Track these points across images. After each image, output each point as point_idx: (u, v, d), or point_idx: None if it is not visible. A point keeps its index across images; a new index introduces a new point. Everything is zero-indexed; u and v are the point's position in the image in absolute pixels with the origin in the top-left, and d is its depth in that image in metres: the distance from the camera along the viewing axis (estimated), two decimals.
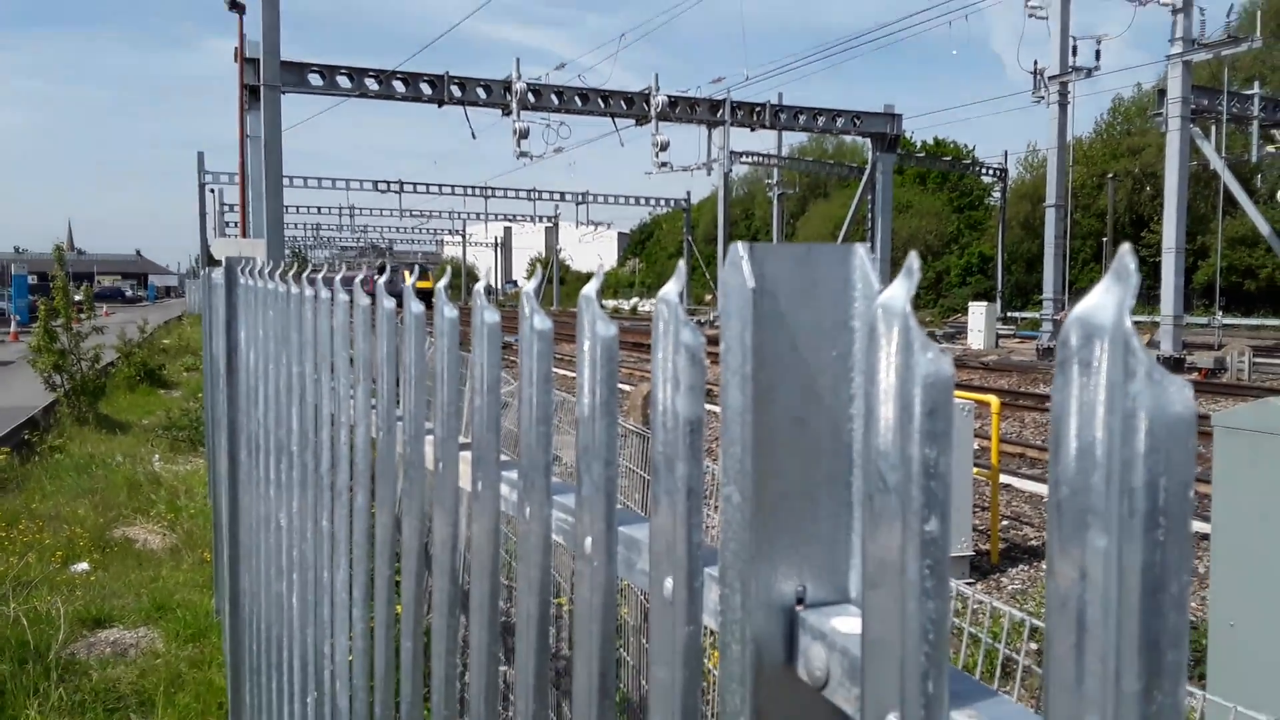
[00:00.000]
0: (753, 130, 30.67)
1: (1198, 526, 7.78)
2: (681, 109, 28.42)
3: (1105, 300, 0.48)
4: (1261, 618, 3.49)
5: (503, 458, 1.33)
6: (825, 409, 0.86)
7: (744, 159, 40.25)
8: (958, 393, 7.55)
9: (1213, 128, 25.80)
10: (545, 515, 1.17)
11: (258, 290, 2.79)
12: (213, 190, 50.41)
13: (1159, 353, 22.00)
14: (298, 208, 59.77)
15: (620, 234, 71.77)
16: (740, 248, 0.82)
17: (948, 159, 51.28)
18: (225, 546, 3.37)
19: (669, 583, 0.92)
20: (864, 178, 33.90)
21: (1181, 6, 22.18)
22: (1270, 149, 28.56)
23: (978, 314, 29.82)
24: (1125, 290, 0.47)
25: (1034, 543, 8.15)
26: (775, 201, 42.25)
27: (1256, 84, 28.60)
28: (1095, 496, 0.48)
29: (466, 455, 1.33)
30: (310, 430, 2.07)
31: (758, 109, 30.00)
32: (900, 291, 0.68)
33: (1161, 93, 23.73)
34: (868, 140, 33.34)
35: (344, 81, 24.03)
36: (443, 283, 1.33)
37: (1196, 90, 23.91)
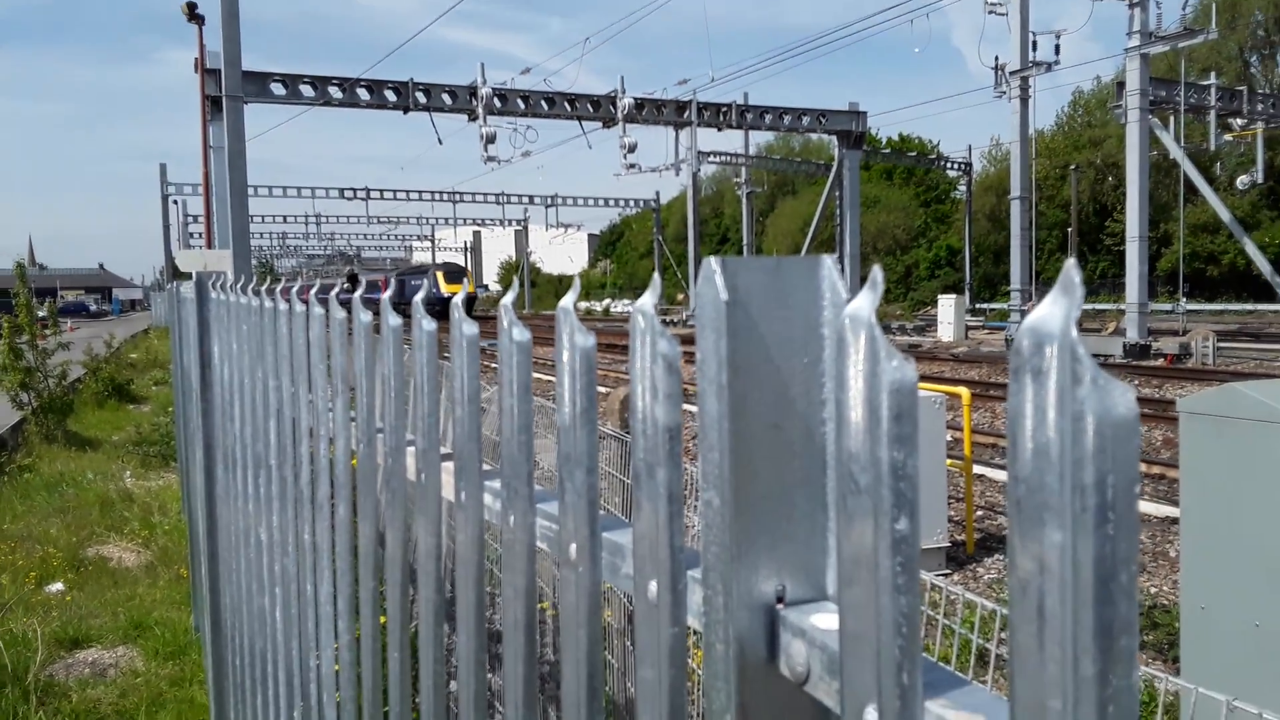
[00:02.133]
0: (720, 130, 30.79)
1: (1169, 511, 7.88)
2: (648, 111, 28.48)
3: (1054, 311, 0.51)
4: (1231, 600, 3.57)
5: (484, 466, 1.35)
6: (798, 414, 0.89)
7: (712, 159, 40.40)
8: (929, 385, 7.64)
9: (1171, 118, 26.21)
10: (529, 523, 1.19)
11: (230, 305, 2.79)
12: (176, 202, 49.83)
13: (1126, 339, 22.32)
14: (263, 217, 59.23)
15: (590, 235, 71.71)
16: (713, 262, 0.85)
17: (913, 154, 51.72)
18: (204, 562, 3.36)
19: (653, 586, 0.95)
20: (831, 175, 34.13)
21: (1138, 0, 22.53)
22: (1228, 137, 29.07)
23: (947, 306, 30.11)
24: (1071, 302, 0.51)
25: (1009, 532, 8.28)
26: (744, 200, 42.43)
27: (1213, 75, 29.09)
28: (1050, 494, 0.51)
29: (449, 466, 1.35)
30: (289, 444, 2.08)
31: (724, 109, 30.13)
32: (865, 303, 0.71)
33: (1120, 85, 24.09)
34: (834, 138, 33.59)
35: (307, 90, 23.87)
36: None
37: (1154, 82, 24.28)
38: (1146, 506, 8.15)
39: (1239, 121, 28.45)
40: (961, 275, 44.20)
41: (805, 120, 32.12)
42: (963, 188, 44.26)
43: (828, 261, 0.90)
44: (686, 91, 29.99)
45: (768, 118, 31.14)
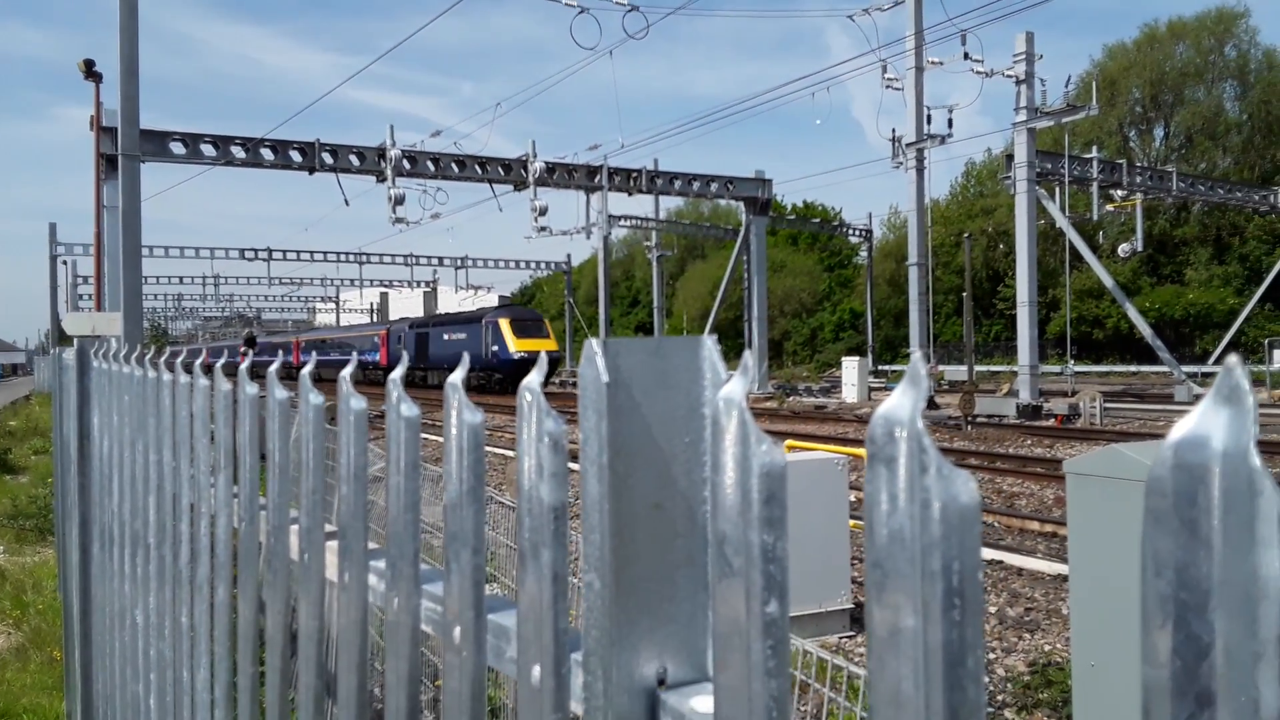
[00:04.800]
0: (630, 195, 31.30)
1: (1061, 569, 8.10)
2: (559, 175, 28.78)
3: (903, 402, 0.53)
4: (1120, 657, 3.68)
5: (370, 545, 1.31)
6: (680, 493, 0.89)
7: (622, 222, 40.90)
8: (834, 447, 7.78)
9: (1057, 189, 27.68)
10: (414, 605, 1.16)
11: (112, 373, 2.68)
12: (65, 262, 47.93)
13: (1019, 400, 23.16)
14: (158, 278, 57.34)
15: (501, 297, 71.35)
16: (594, 344, 0.86)
17: (817, 221, 53.36)
18: (77, 646, 3.16)
19: (537, 670, 0.93)
20: (739, 240, 34.90)
21: (1024, 78, 23.89)
22: (1109, 208, 30.79)
23: (850, 369, 30.83)
24: (918, 394, 0.53)
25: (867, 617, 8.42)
26: (655, 263, 42.99)
27: (1095, 148, 30.92)
28: (904, 579, 0.52)
29: (333, 545, 1.31)
30: (169, 521, 1.99)
31: (634, 174, 30.65)
32: (738, 386, 0.72)
33: (1009, 157, 25.39)
34: (741, 204, 34.44)
35: (208, 150, 23.43)
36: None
37: (1041, 155, 25.67)
38: (1040, 564, 8.39)
39: (1120, 192, 30.20)
40: (864, 338, 45.43)
41: (714, 186, 32.89)
42: (864, 253, 45.76)
43: (708, 342, 0.92)
44: (597, 156, 30.49)
45: (677, 183, 31.79)
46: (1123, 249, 31.58)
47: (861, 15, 26.11)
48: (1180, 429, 0.37)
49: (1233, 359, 0.35)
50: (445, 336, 41.92)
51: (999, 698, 5.47)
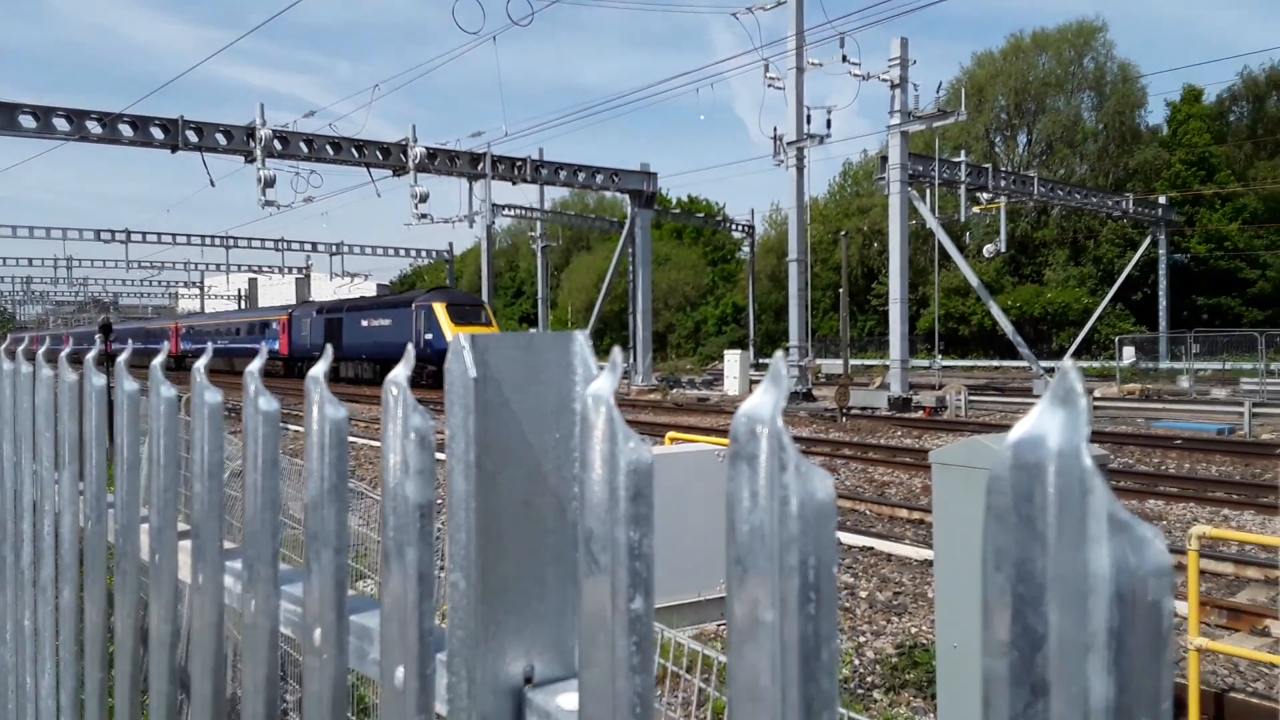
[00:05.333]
0: (515, 184, 30.99)
1: (928, 554, 8.44)
2: (441, 161, 28.25)
3: (764, 400, 0.53)
4: (979, 639, 3.86)
5: (227, 545, 1.26)
6: (550, 489, 0.88)
7: (507, 212, 40.50)
8: (714, 439, 7.90)
9: (928, 190, 28.81)
10: (272, 608, 1.11)
11: None
12: None
13: (890, 393, 24.03)
14: (4, 259, 53.74)
15: (379, 285, 69.55)
16: (462, 339, 0.84)
17: (701, 215, 54.04)
18: None
19: (400, 672, 0.90)
20: (624, 232, 35.02)
21: (899, 82, 24.73)
22: (976, 210, 32.23)
23: (732, 362, 31.39)
24: (779, 393, 0.53)
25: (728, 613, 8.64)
26: (539, 254, 42.72)
27: (963, 153, 32.29)
28: (764, 575, 0.53)
29: (187, 545, 1.25)
30: (9, 519, 1.86)
31: (519, 163, 30.37)
32: (607, 383, 0.71)
33: (884, 159, 26.28)
34: (626, 196, 34.56)
35: (61, 124, 22.07)
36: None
37: (913, 157, 26.65)
38: (908, 550, 8.73)
39: (985, 195, 31.64)
40: (746, 331, 46.31)
41: (599, 178, 32.88)
42: (747, 249, 46.56)
43: (579, 336, 0.91)
44: (481, 144, 30.06)
45: (562, 174, 31.66)
46: (988, 249, 33.14)
47: (745, 14, 26.53)
48: (1018, 429, 0.38)
49: (1068, 362, 0.36)
50: (364, 323, 37.67)
51: (868, 679, 5.67)
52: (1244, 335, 33.73)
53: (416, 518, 0.92)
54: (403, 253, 55.95)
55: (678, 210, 53.50)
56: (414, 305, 34.28)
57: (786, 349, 28.83)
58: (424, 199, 27.48)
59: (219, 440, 1.22)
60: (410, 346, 1.00)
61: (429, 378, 31.46)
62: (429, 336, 33.09)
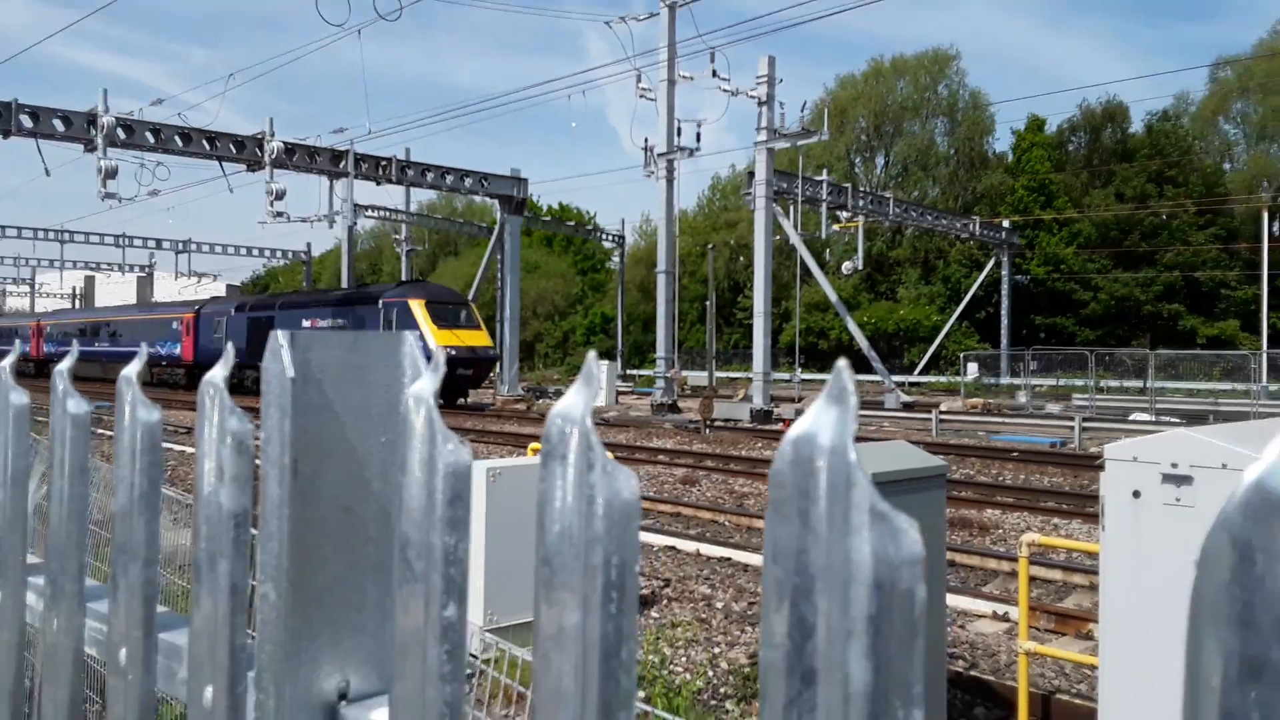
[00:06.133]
0: (379, 184, 30.25)
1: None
2: (300, 157, 27.32)
3: (576, 400, 0.53)
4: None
5: (31, 559, 1.17)
6: (374, 495, 0.85)
7: (370, 213, 39.52)
8: None
9: (791, 207, 29.69)
10: (77, 626, 1.04)
11: None
12: None
13: (753, 406, 24.60)
14: None
15: (230, 286, 66.41)
16: (280, 336, 0.80)
17: (572, 224, 54.07)
18: None
19: (209, 692, 0.85)
20: (493, 238, 34.68)
21: (766, 100, 25.40)
22: (836, 228, 33.43)
23: (600, 372, 31.52)
24: (590, 393, 0.53)
25: (649, 589, 8.64)
26: (404, 258, 41.82)
27: (825, 171, 33.46)
28: (570, 575, 0.52)
29: None
30: None
31: (384, 163, 29.66)
32: (428, 383, 0.69)
33: (751, 174, 26.93)
34: (496, 201, 34.25)
35: None
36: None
37: (779, 174, 27.42)
38: (755, 559, 8.93)
39: (845, 214, 32.86)
40: (615, 342, 46.59)
41: (468, 182, 32.48)
42: (617, 259, 46.86)
43: (409, 338, 0.88)
44: (343, 141, 29.22)
45: (430, 176, 31.11)
46: (846, 266, 34.42)
47: (619, 22, 26.76)
48: (797, 426, 0.38)
49: (841, 362, 0.37)
50: (307, 323, 29.79)
51: (721, 690, 5.75)
52: (1076, 353, 36.18)
53: (230, 527, 0.87)
54: (256, 252, 53.71)
55: (548, 218, 53.41)
56: (381, 301, 28.41)
57: (655, 360, 29.11)
58: (280, 196, 26.40)
59: (24, 445, 1.14)
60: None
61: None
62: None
